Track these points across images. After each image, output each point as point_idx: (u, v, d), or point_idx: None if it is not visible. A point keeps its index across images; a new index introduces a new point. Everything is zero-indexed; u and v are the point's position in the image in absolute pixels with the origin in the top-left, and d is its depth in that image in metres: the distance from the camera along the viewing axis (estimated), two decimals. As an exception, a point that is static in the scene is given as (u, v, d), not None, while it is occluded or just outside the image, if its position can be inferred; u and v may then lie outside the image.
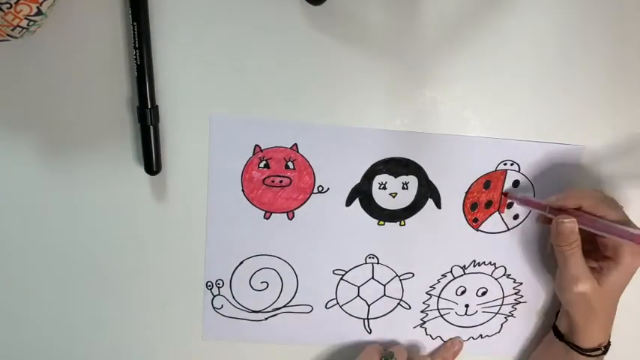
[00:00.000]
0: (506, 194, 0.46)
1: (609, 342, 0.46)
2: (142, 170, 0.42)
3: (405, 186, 0.45)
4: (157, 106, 0.41)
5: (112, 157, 0.42)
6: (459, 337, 0.51)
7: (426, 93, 0.43)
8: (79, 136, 0.42)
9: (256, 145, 0.43)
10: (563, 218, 0.41)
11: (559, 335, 0.47)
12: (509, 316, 0.51)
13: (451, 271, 0.48)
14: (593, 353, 0.44)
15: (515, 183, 0.46)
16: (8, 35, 0.34)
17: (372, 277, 0.48)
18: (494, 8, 0.42)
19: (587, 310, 0.43)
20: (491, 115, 0.44)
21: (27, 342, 0.47)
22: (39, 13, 0.34)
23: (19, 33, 0.34)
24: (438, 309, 0.50)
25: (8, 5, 0.32)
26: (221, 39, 0.40)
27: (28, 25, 0.34)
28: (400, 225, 0.47)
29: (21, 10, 0.33)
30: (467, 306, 0.50)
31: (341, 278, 0.48)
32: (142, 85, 0.39)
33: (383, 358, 0.46)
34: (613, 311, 0.45)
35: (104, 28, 0.39)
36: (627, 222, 0.42)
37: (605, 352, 0.45)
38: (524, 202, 0.46)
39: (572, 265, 0.42)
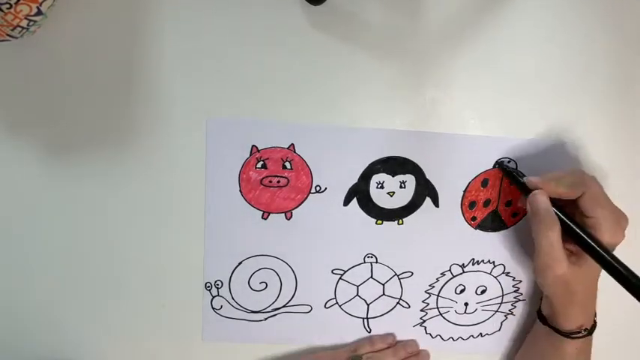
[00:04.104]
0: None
1: (595, 322, 0.45)
2: (141, 170, 0.42)
3: (402, 185, 0.46)
4: None
5: (111, 157, 0.43)
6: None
7: (426, 92, 0.44)
8: (78, 136, 0.42)
9: (253, 146, 0.43)
10: (536, 193, 0.41)
11: (542, 319, 0.47)
12: (508, 314, 0.51)
13: (450, 270, 0.48)
14: (574, 335, 0.44)
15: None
16: (8, 35, 0.35)
17: (371, 277, 0.48)
18: (493, 9, 0.42)
19: (564, 293, 0.43)
20: (489, 114, 0.45)
21: (27, 341, 0.47)
22: (39, 13, 0.34)
23: (19, 33, 0.35)
24: (438, 308, 0.50)
25: (8, 5, 0.33)
26: (220, 39, 0.41)
27: (28, 25, 0.34)
28: (398, 224, 0.47)
29: (21, 10, 0.33)
30: (466, 304, 0.50)
31: (340, 278, 0.48)
32: None
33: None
34: (593, 293, 0.44)
35: (104, 28, 0.39)
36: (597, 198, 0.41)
37: (589, 334, 0.44)
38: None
39: (549, 249, 0.41)
